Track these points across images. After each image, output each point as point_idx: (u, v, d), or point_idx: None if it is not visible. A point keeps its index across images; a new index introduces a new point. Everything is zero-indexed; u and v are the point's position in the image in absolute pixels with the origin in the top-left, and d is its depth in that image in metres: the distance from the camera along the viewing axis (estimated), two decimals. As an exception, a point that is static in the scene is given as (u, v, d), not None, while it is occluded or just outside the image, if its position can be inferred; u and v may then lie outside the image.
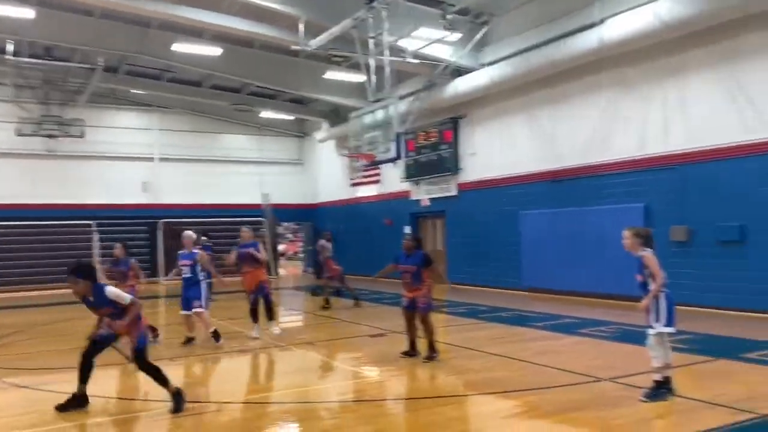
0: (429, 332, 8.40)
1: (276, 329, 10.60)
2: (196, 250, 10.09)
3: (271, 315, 10.64)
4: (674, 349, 8.51)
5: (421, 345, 8.49)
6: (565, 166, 15.38)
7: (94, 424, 6.14)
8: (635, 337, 9.84)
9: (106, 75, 20.35)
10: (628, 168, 13.88)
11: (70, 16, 17.42)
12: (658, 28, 12.18)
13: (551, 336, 10.09)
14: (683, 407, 5.90)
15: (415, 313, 8.46)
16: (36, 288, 21.25)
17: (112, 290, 6.27)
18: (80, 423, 6.13)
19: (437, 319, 9.85)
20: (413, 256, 8.53)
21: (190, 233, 10.22)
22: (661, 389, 6.13)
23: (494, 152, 17.70)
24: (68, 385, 6.69)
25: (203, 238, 13.99)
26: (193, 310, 9.84)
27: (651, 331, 6.15)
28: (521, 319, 12.07)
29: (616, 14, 13.10)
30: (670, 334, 6.22)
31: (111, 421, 6.23)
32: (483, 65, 16.90)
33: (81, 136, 21.03)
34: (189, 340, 9.91)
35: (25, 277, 21.92)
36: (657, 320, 6.13)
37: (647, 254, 6.18)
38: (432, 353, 8.35)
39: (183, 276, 10.01)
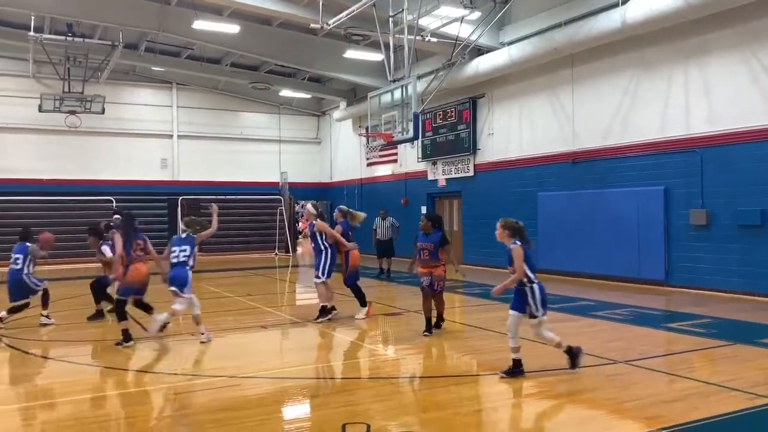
0: (441, 306, 9.03)
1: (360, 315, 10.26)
2: (314, 221, 9.97)
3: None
4: (692, 333, 8.55)
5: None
6: (584, 148, 15.25)
7: (124, 393, 6.28)
8: (651, 319, 9.86)
9: (126, 52, 20.43)
10: (648, 150, 13.74)
11: (91, -8, 17.51)
12: (682, 8, 11.95)
13: (566, 318, 10.08)
14: (700, 391, 5.89)
15: (433, 292, 8.74)
16: (56, 263, 21.60)
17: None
18: (102, 394, 6.27)
19: (453, 299, 9.91)
20: (431, 235, 8.82)
21: (309, 206, 10.27)
22: (518, 368, 6.43)
23: (512, 133, 17.59)
24: (88, 357, 6.83)
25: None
26: (314, 280, 9.93)
27: (534, 321, 6.45)
28: (537, 301, 12.04)
29: (640, -7, 12.87)
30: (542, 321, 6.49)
31: (144, 392, 6.37)
32: (503, 44, 16.74)
33: (101, 113, 21.17)
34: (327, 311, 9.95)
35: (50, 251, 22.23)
36: (536, 311, 6.41)
37: (515, 247, 6.43)
38: (440, 322, 9.02)
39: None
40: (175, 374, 6.86)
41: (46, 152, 23.20)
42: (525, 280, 6.41)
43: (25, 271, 9.62)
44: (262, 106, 27.46)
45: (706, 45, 12.58)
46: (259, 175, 26.81)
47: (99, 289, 10.27)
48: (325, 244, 9.88)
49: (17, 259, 9.63)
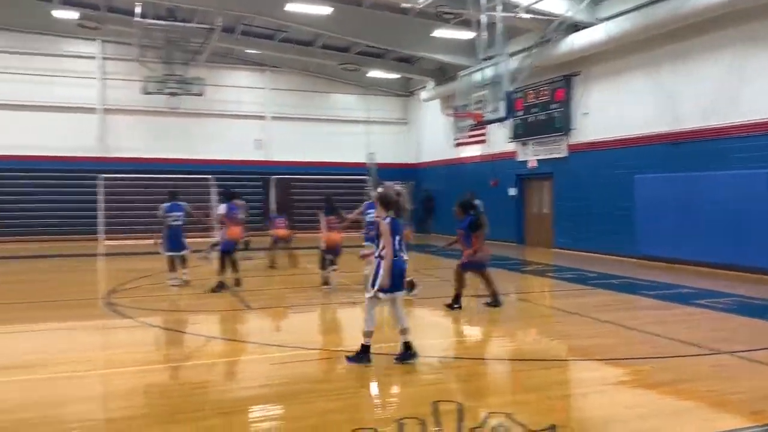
0: (489, 283, 9.31)
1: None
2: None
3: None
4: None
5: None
6: (685, 128, 14.47)
7: (210, 363, 6.62)
8: (757, 310, 9.31)
9: (223, 35, 21.15)
10: (755, 131, 12.86)
11: (191, -22, 18.21)
12: (802, -24, 11.05)
13: (664, 305, 9.68)
14: (811, 387, 5.53)
15: (474, 270, 9.27)
16: (159, 237, 22.85)
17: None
18: (206, 362, 6.62)
19: (543, 283, 9.73)
20: (463, 220, 9.23)
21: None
22: (366, 354, 6.17)
23: (609, 112, 16.91)
24: (193, 327, 7.19)
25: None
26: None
27: (366, 295, 6.28)
28: (632, 287, 11.64)
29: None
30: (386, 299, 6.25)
31: (220, 362, 6.69)
32: (599, 20, 16.06)
33: (200, 95, 22.09)
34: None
35: (150, 226, 23.56)
36: (373, 285, 6.18)
37: (383, 222, 6.22)
38: (495, 299, 9.22)
39: None
40: (272, 345, 7.14)
41: (149, 133, 24.50)
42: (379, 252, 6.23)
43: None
44: (351, 87, 27.74)
45: (829, 16, 11.59)
46: (348, 155, 27.18)
47: None
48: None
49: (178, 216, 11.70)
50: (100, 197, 22.39)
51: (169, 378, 6.04)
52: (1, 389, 5.60)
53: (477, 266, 9.27)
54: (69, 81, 23.60)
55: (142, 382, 5.81)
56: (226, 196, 12.48)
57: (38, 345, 7.31)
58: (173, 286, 11.40)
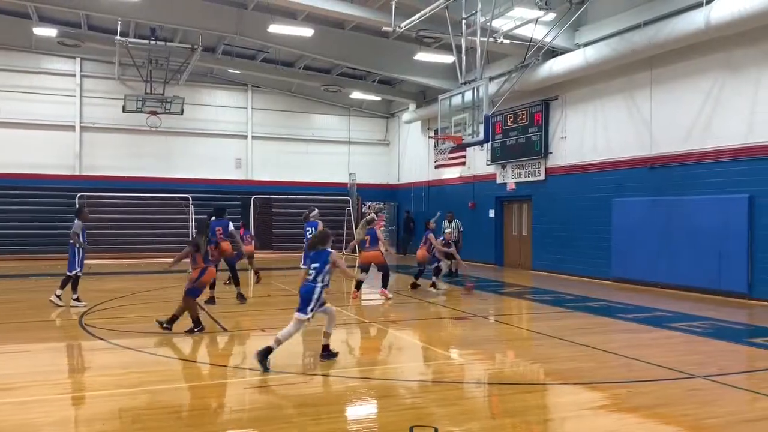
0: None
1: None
2: None
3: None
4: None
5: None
6: (663, 153, 14.71)
7: (190, 387, 6.51)
8: (732, 334, 9.41)
9: (204, 55, 21.15)
10: (732, 156, 13.11)
11: (173, -2, 18.27)
12: (773, 7, 11.35)
13: (641, 328, 9.75)
14: (784, 411, 5.58)
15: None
16: (135, 257, 22.62)
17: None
18: (177, 386, 6.51)
19: (521, 305, 9.76)
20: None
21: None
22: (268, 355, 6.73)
23: (586, 136, 17.15)
24: (166, 349, 7.08)
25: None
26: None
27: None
28: (609, 310, 11.73)
29: (727, -7, 12.30)
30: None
31: (195, 386, 6.59)
32: (578, 46, 16.36)
33: (180, 114, 22.00)
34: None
35: (126, 246, 23.35)
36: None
37: (332, 253, 7.16)
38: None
39: None
40: (246, 369, 7.04)
41: (128, 151, 24.32)
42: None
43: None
44: (333, 108, 27.86)
45: (799, 46, 11.91)
46: (329, 176, 27.21)
47: None
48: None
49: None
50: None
51: (143, 402, 5.92)
52: (-33, 414, 5.45)
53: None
54: (47, 98, 23.39)
55: (116, 407, 5.69)
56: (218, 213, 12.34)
57: (8, 368, 7.14)
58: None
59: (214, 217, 11.98)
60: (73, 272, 11.28)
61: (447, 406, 5.87)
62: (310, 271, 7.05)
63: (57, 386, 6.31)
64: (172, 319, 8.89)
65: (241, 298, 11.90)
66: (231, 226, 11.95)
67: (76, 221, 11.48)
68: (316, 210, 14.13)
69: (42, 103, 23.28)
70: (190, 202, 22.30)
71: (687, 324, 9.99)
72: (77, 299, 11.29)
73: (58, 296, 11.38)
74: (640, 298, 13.19)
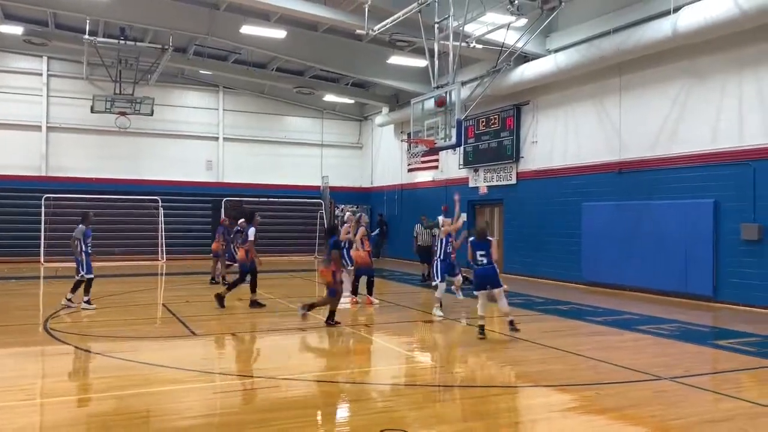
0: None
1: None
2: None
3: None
4: (740, 351, 8.28)
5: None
6: (631, 158, 14.95)
7: (165, 391, 6.41)
8: (698, 336, 9.59)
9: (175, 55, 20.89)
10: (698, 162, 13.38)
11: (143, -3, 18.03)
12: (737, 18, 11.62)
13: (610, 331, 9.89)
14: (748, 412, 5.70)
15: None
16: (104, 260, 22.21)
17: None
18: (148, 390, 6.40)
19: (493, 309, 9.81)
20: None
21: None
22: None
23: (557, 141, 17.36)
24: (132, 354, 6.95)
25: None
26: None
27: None
28: (579, 313, 11.86)
29: (693, 2, 12.56)
30: None
31: (163, 391, 6.49)
32: (550, 52, 16.55)
33: (150, 114, 21.69)
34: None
35: (94, 248, 22.85)
36: None
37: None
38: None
39: None
40: (215, 373, 6.96)
41: (96, 152, 23.87)
42: None
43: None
44: (306, 110, 27.74)
45: (762, 55, 12.20)
46: (301, 178, 27.08)
47: None
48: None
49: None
50: (42, 218, 21.66)
51: (110, 407, 5.80)
52: (-75, 422, 5.29)
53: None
54: (13, 97, 22.86)
55: (83, 412, 5.58)
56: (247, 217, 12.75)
57: (-31, 373, 6.95)
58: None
59: (243, 220, 13.13)
60: (87, 276, 11.32)
61: (418, 409, 5.88)
62: (480, 258, 9.10)
63: (21, 392, 6.17)
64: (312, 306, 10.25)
65: (257, 305, 11.86)
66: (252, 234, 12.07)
67: (79, 226, 11.59)
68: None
69: (7, 102, 22.75)
70: (160, 204, 22.01)
71: (655, 327, 10.15)
72: (88, 302, 11.32)
73: (69, 300, 11.43)
74: (610, 301, 13.37)
